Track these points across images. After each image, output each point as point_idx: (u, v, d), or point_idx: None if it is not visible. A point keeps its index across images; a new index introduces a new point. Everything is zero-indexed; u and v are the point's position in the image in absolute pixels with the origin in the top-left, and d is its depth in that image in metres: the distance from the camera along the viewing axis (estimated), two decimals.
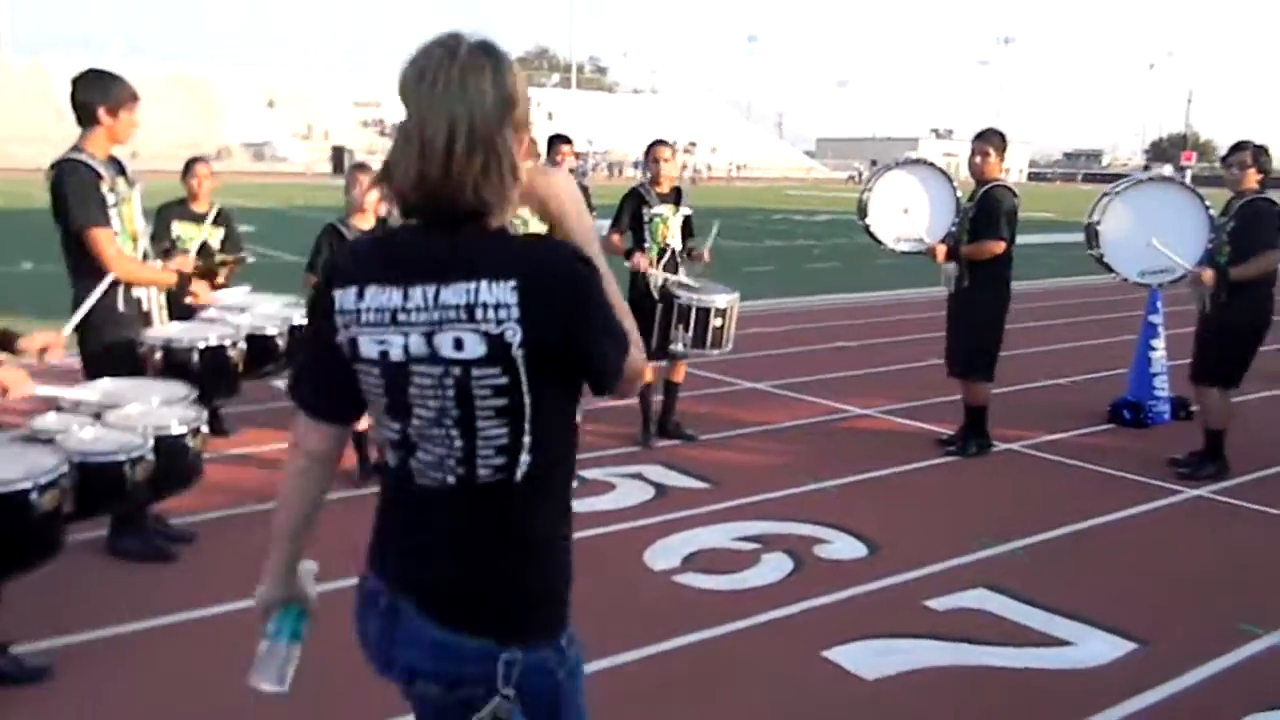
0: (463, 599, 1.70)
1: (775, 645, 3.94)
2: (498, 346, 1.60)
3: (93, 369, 4.41)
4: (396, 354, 1.65)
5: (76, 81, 4.34)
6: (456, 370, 1.63)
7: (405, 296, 1.63)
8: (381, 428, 1.74)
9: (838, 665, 3.76)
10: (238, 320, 4.78)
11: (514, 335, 1.60)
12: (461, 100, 1.59)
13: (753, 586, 4.42)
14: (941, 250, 6.29)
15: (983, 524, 5.21)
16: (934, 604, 4.28)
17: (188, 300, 4.88)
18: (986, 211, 6.16)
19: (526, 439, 1.66)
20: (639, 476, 5.86)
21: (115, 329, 4.34)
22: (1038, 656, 3.88)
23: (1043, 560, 4.82)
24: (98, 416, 3.42)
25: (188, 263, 4.84)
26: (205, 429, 3.62)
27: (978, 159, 6.27)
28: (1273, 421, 7.44)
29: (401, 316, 1.64)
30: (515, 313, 1.59)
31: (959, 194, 6.58)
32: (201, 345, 4.32)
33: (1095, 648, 3.95)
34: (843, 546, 4.90)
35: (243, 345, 4.53)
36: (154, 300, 4.53)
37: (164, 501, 4.40)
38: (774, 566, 4.63)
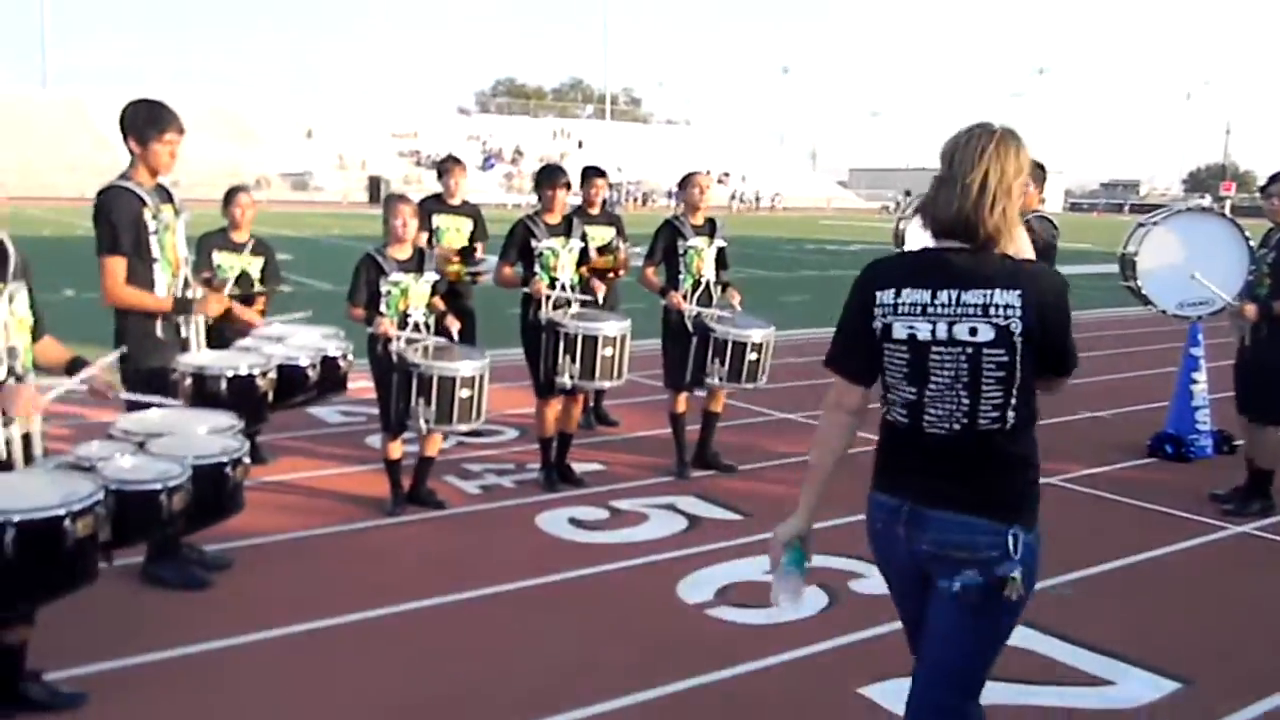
0: (975, 498, 2.42)
1: (809, 681, 3.89)
2: (1004, 334, 2.36)
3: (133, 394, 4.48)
4: (923, 336, 2.42)
5: (122, 112, 4.44)
6: (969, 350, 2.38)
7: (933, 296, 2.40)
8: (895, 392, 2.51)
9: (873, 702, 3.71)
10: (271, 350, 4.82)
11: (1016, 327, 2.35)
12: (993, 162, 2.37)
13: (787, 621, 4.37)
14: None
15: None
16: None
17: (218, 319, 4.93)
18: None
19: (1014, 399, 2.41)
20: (672, 508, 5.83)
21: (154, 356, 4.40)
22: (1079, 696, 3.80)
23: (1084, 597, 4.74)
24: (141, 445, 3.44)
25: (222, 299, 4.89)
26: (248, 460, 3.64)
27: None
28: None
29: (930, 310, 2.41)
30: (1018, 312, 2.34)
31: (1251, 244, 6.46)
32: (230, 374, 4.36)
33: (1137, 687, 3.87)
34: (879, 582, 4.80)
35: (273, 375, 4.56)
36: (193, 327, 4.58)
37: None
38: (808, 602, 4.57)
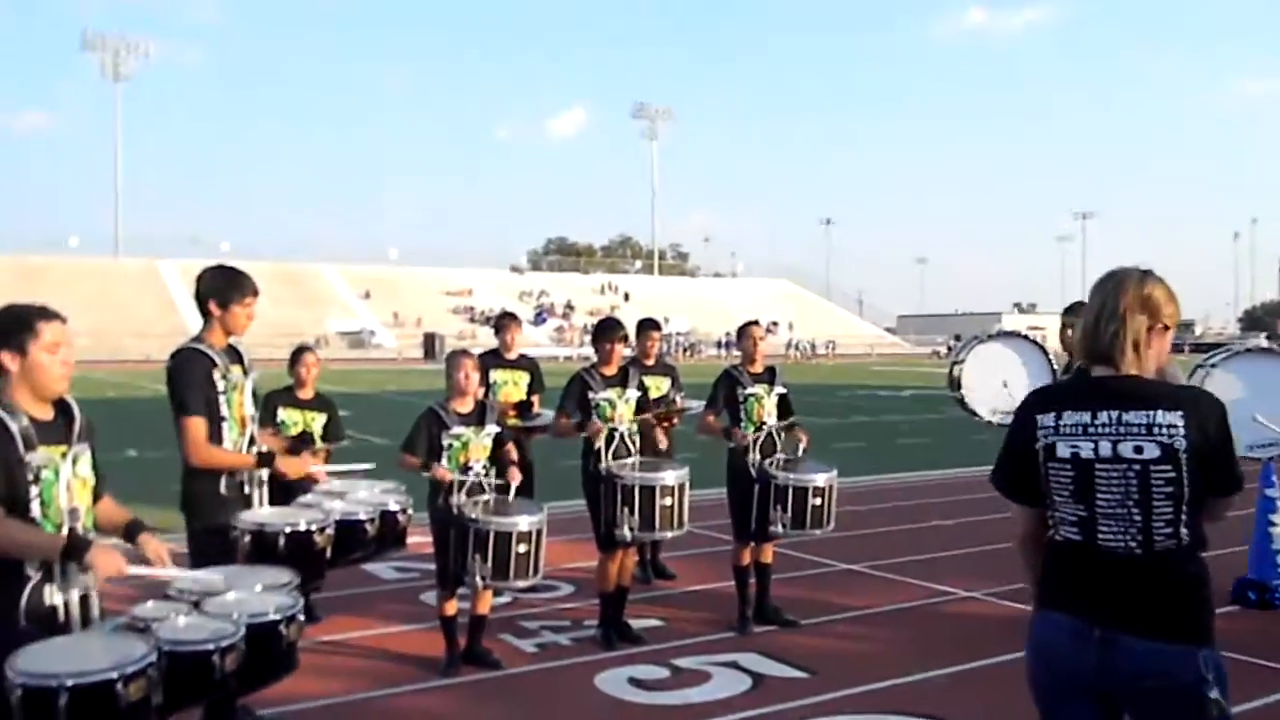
0: (1162, 621, 2.50)
1: None
2: (1170, 452, 2.49)
3: (196, 552, 4.47)
4: (1086, 454, 2.57)
5: (199, 277, 4.59)
6: (1136, 467, 2.52)
7: (1094, 416, 2.57)
8: (1063, 510, 2.63)
9: None
10: (331, 505, 4.82)
11: (1181, 444, 2.49)
12: (1131, 298, 2.62)
13: None
14: None
15: None
16: None
17: (279, 475, 4.96)
18: None
19: (1184, 516, 2.51)
20: (735, 665, 5.62)
21: (217, 512, 4.41)
22: None
23: None
24: (197, 604, 3.41)
25: (304, 461, 4.95)
26: (302, 617, 3.58)
27: (1070, 331, 6.17)
28: None
29: (1091, 429, 2.57)
30: (1181, 431, 2.49)
31: (1055, 365, 6.43)
32: (289, 530, 4.35)
33: None
34: None
35: (330, 531, 4.54)
36: (255, 484, 4.61)
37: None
38: None
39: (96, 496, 3.35)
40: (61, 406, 3.27)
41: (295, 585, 3.77)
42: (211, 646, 3.13)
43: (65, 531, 3.13)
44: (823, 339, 71.28)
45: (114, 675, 2.75)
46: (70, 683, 2.68)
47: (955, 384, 6.59)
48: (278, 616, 3.43)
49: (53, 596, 3.10)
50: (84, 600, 3.19)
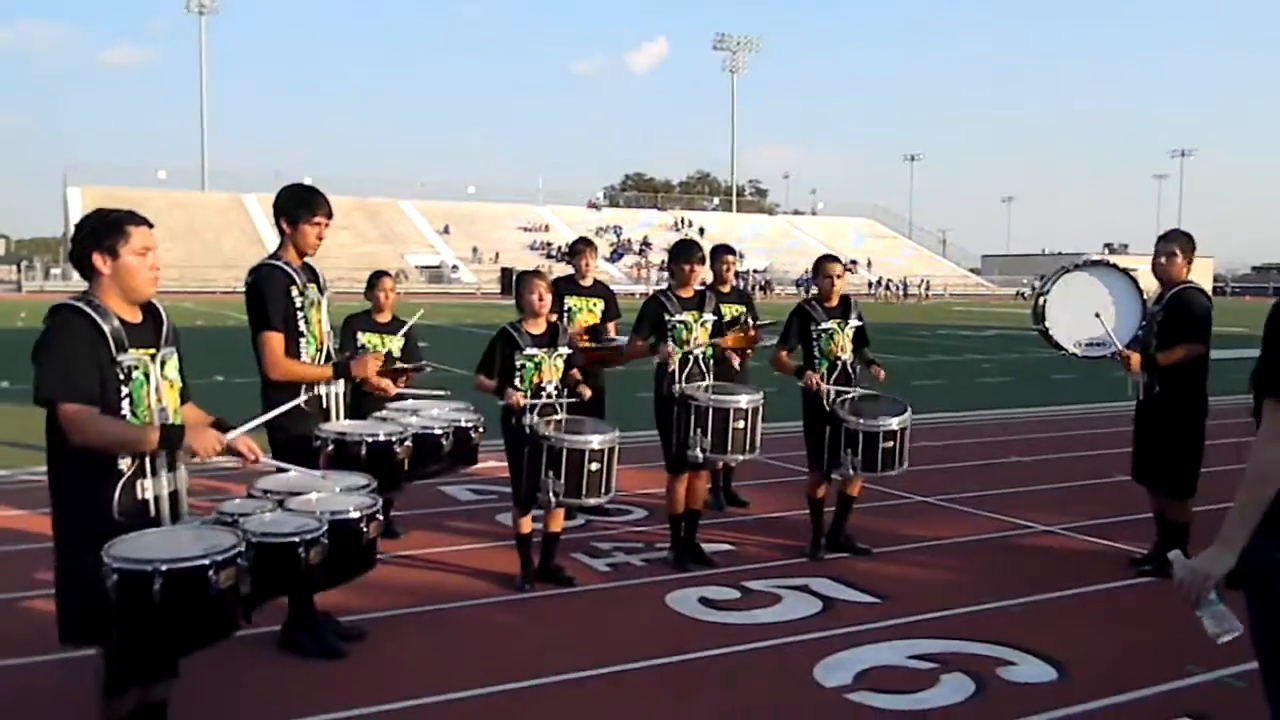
0: None
1: None
2: None
3: (278, 460, 4.61)
4: None
5: (275, 197, 4.69)
6: None
7: None
8: None
9: None
10: (407, 420, 4.92)
11: None
12: None
13: (933, 707, 4.13)
14: (1135, 357, 5.91)
15: (1185, 649, 4.74)
16: None
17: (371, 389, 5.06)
18: (1179, 314, 5.81)
19: None
20: (805, 589, 5.63)
21: (298, 424, 4.54)
22: None
23: (1256, 690, 4.33)
24: (280, 503, 3.52)
25: (379, 356, 5.05)
26: (380, 517, 3.69)
27: (1163, 259, 5.95)
28: None
29: None
30: None
31: (1145, 296, 6.21)
32: (370, 440, 4.46)
33: None
34: (1029, 669, 4.55)
35: (409, 443, 4.64)
36: (334, 398, 4.71)
37: (335, 598, 4.49)
38: (954, 688, 4.32)
39: (183, 399, 3.45)
40: (150, 311, 3.36)
41: (374, 488, 3.87)
42: (297, 539, 3.23)
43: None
44: (913, 279, 69.47)
45: (206, 562, 2.87)
46: (164, 568, 2.79)
47: (1039, 316, 6.35)
48: (358, 514, 3.54)
49: (145, 491, 3.22)
50: (174, 496, 3.31)
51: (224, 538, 3.01)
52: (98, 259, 3.22)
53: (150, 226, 3.34)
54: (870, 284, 65.08)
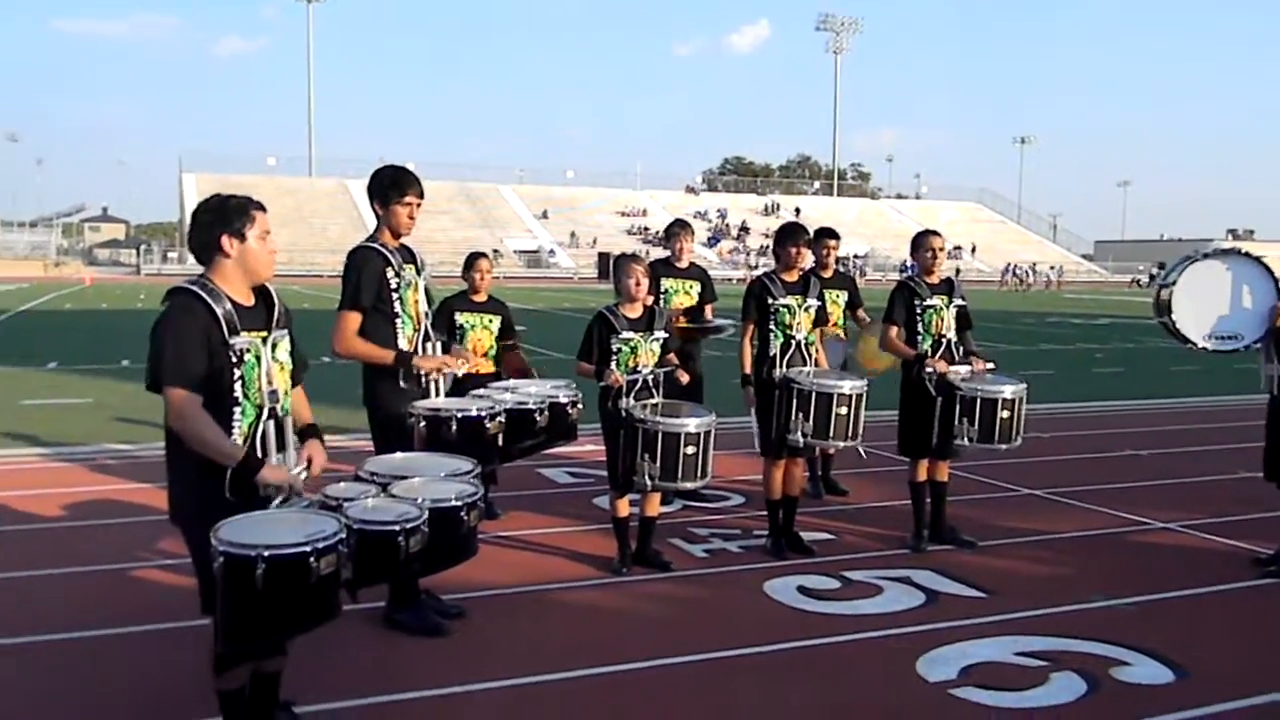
0: None
1: None
2: None
3: (379, 439, 4.68)
4: None
5: (370, 178, 4.75)
6: None
7: None
8: None
9: None
10: (502, 396, 4.95)
11: None
12: None
13: (1042, 706, 3.99)
14: None
15: None
16: None
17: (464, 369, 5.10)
18: None
19: None
20: (907, 581, 5.50)
21: (395, 401, 4.61)
22: None
23: None
24: (385, 487, 3.56)
25: (459, 354, 5.04)
26: (482, 505, 3.70)
27: None
28: None
29: None
30: None
31: None
32: (460, 415, 4.48)
33: None
34: (1146, 670, 4.36)
35: (502, 419, 4.65)
36: (431, 377, 4.75)
37: (436, 576, 4.54)
38: (1065, 687, 4.16)
39: (295, 380, 3.51)
40: (262, 294, 3.42)
41: (476, 474, 3.88)
42: (397, 528, 3.25)
43: (250, 442, 3.27)
44: (1042, 266, 66.46)
45: (307, 549, 2.89)
46: (267, 554, 2.84)
47: (1164, 308, 6.00)
48: (459, 502, 3.54)
49: None
50: (279, 428, 3.37)
51: (326, 524, 3.04)
52: (226, 241, 3.29)
53: (266, 211, 3.41)
54: (1004, 271, 62.13)
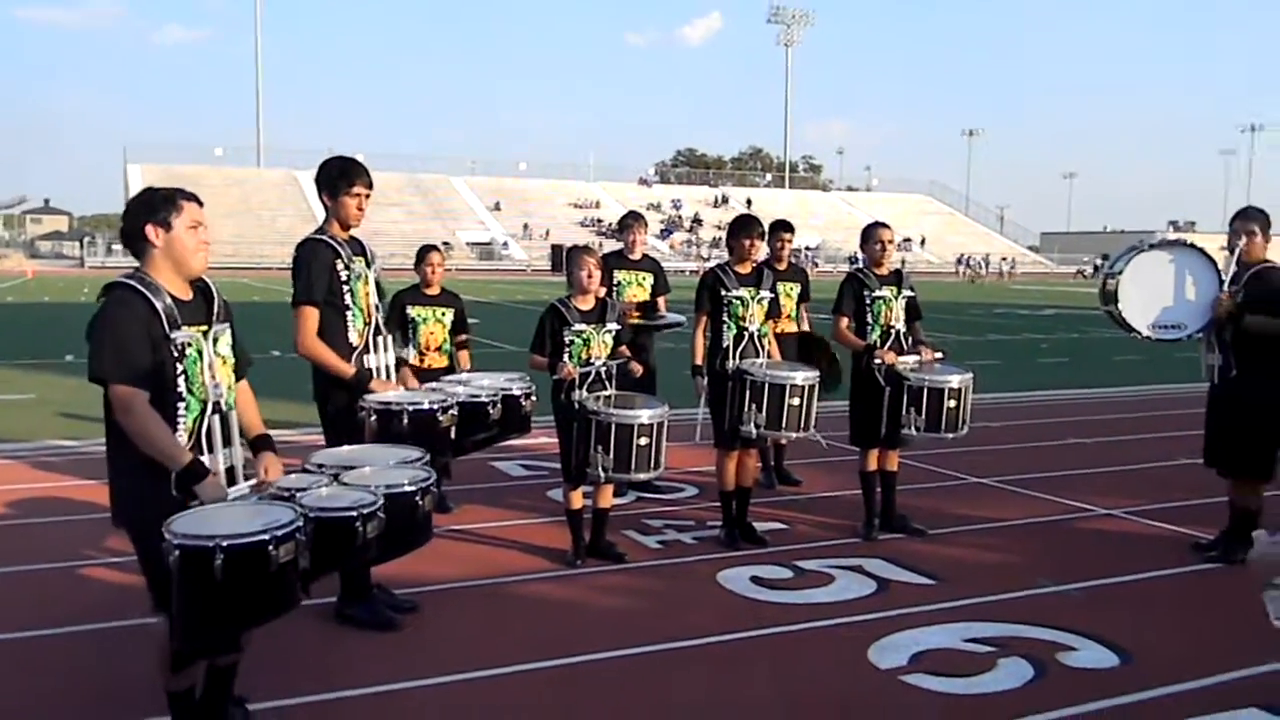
0: None
1: None
2: None
3: (329, 433, 4.63)
4: None
5: (317, 169, 4.68)
6: None
7: None
8: None
9: None
10: (454, 390, 4.93)
11: None
12: None
13: (990, 692, 4.06)
14: (1225, 300, 5.71)
15: (1253, 637, 4.61)
16: None
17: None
18: (1261, 294, 5.62)
19: None
20: (859, 570, 5.56)
21: (345, 395, 4.56)
22: None
23: None
24: (336, 477, 3.54)
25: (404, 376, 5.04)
26: (435, 490, 3.69)
27: (1242, 240, 5.76)
28: None
29: None
30: None
31: (1223, 277, 5.99)
32: (412, 408, 4.47)
33: None
34: (1091, 655, 4.45)
35: (454, 412, 4.64)
36: (385, 370, 4.72)
37: (388, 570, 4.51)
38: (1012, 672, 4.24)
39: (239, 375, 3.47)
40: (201, 287, 3.37)
41: (426, 460, 3.87)
42: (354, 513, 3.24)
43: (191, 449, 3.21)
44: (993, 258, 67.51)
45: (266, 537, 2.87)
46: (225, 544, 2.80)
47: (1110, 297, 6.11)
48: (413, 487, 3.54)
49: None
50: (230, 472, 3.33)
51: (282, 513, 3.01)
52: (150, 230, 3.23)
53: (200, 204, 3.35)
54: (957, 262, 63.08)
